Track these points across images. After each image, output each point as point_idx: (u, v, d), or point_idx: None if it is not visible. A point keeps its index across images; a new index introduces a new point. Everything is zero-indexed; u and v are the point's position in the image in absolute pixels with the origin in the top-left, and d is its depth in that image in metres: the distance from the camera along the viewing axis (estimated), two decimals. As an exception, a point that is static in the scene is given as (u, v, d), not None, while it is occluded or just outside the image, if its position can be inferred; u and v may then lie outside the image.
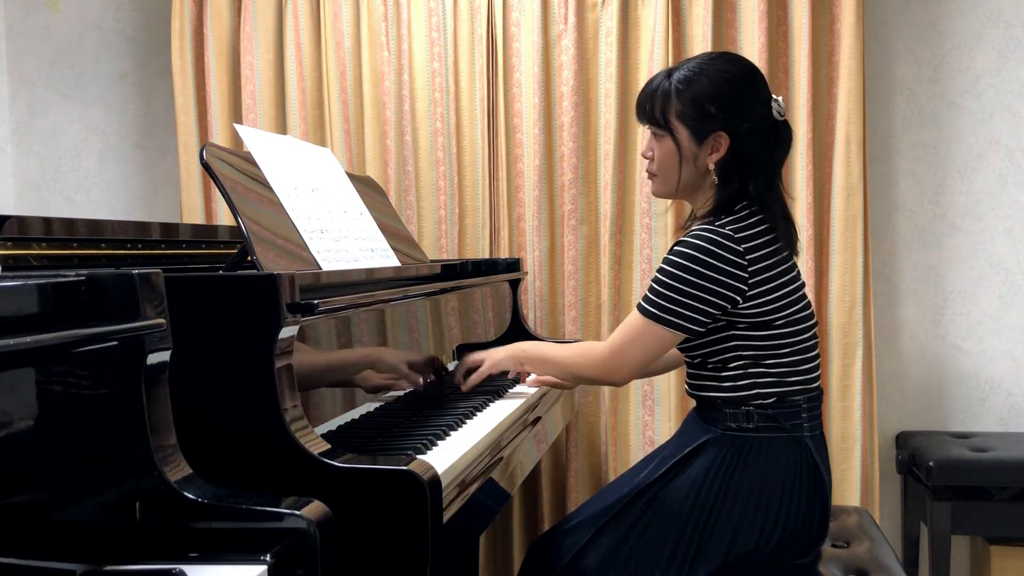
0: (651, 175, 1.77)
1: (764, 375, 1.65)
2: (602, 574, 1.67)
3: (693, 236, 1.63)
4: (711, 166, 1.68)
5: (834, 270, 2.61)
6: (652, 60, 2.63)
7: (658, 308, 1.62)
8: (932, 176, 2.81)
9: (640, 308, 1.65)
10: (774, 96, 1.71)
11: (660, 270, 1.64)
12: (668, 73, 1.72)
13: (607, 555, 1.67)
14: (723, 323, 1.65)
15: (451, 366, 2.02)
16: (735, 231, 1.62)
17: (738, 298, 1.61)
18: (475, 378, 1.90)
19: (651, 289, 1.64)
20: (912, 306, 2.83)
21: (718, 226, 1.62)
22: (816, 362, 1.71)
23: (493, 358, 1.90)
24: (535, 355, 1.91)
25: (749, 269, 1.61)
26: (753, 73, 1.72)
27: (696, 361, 1.72)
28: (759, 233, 1.64)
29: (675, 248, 1.64)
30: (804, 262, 2.58)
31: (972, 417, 2.81)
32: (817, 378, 1.71)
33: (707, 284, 1.60)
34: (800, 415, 1.67)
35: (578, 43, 2.68)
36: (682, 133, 1.69)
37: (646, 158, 1.78)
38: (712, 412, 1.70)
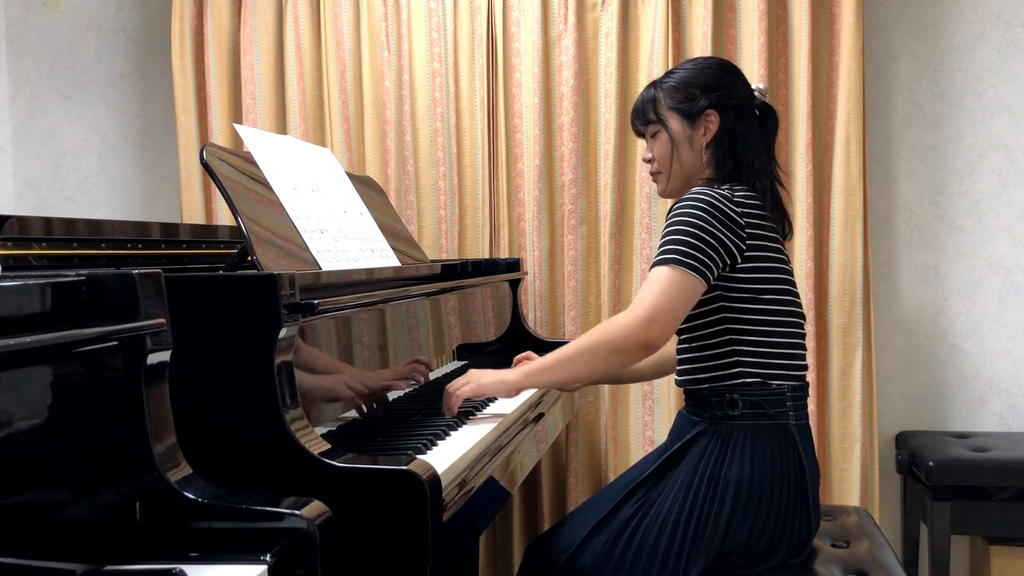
0: (655, 175, 1.84)
1: (748, 354, 1.67)
2: (597, 574, 1.67)
3: (692, 193, 1.67)
4: (705, 146, 1.76)
5: (834, 270, 2.61)
6: (652, 60, 2.63)
7: (680, 254, 1.61)
8: (932, 176, 2.81)
9: (661, 261, 1.62)
10: (753, 85, 1.81)
11: (670, 224, 1.65)
12: (653, 84, 1.84)
13: (601, 555, 1.68)
14: (715, 293, 1.67)
15: (438, 373, 2.02)
16: (732, 194, 1.68)
17: (737, 255, 1.65)
18: (454, 401, 1.71)
19: (666, 242, 1.63)
20: (912, 306, 2.83)
21: (715, 189, 1.68)
22: (801, 352, 1.73)
23: (478, 383, 1.71)
24: (542, 367, 1.70)
25: (747, 230, 1.66)
26: (730, 63, 1.85)
27: (683, 344, 1.75)
28: (752, 205, 1.69)
29: (676, 206, 1.67)
30: (804, 262, 2.58)
31: (972, 417, 2.81)
32: (802, 368, 1.73)
33: (715, 231, 1.63)
34: (785, 402, 1.68)
35: (578, 43, 2.68)
36: (674, 120, 1.78)
37: (647, 161, 1.84)
38: (699, 403, 1.72)
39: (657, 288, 1.61)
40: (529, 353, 2.03)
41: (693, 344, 1.72)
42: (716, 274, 1.64)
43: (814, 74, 2.61)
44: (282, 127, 2.86)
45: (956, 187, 2.80)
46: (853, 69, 2.58)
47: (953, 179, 2.80)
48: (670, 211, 1.68)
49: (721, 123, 1.75)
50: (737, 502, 1.64)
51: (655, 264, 1.64)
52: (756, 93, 1.79)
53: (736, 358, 1.68)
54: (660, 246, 1.65)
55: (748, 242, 1.66)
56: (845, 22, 2.59)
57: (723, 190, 1.67)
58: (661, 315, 1.59)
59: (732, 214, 1.64)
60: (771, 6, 2.60)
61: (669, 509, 1.66)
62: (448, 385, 1.73)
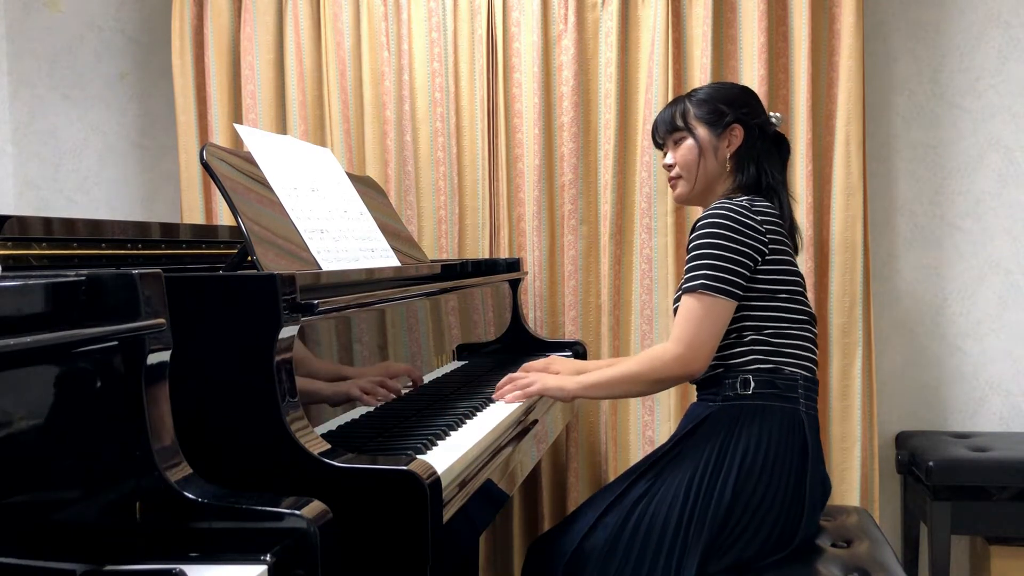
0: (674, 180, 1.94)
1: (763, 343, 1.75)
2: (608, 551, 1.71)
3: (711, 210, 1.77)
4: (728, 155, 1.88)
5: (834, 270, 2.61)
6: (652, 60, 2.63)
7: (709, 280, 1.71)
8: (932, 176, 2.81)
9: (690, 290, 1.73)
10: (770, 113, 1.96)
11: (693, 248, 1.75)
12: (680, 99, 1.97)
13: (613, 533, 1.72)
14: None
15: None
16: (751, 204, 1.77)
17: (759, 257, 1.74)
18: (519, 396, 1.85)
19: (692, 268, 1.73)
20: (912, 306, 2.83)
21: (734, 202, 1.77)
22: (813, 347, 1.80)
23: (544, 384, 1.84)
24: (595, 383, 1.84)
25: (767, 236, 1.75)
26: (752, 91, 1.99)
27: None
28: (772, 214, 1.79)
29: (697, 225, 1.76)
30: (804, 262, 2.58)
31: (972, 417, 2.81)
32: (814, 363, 1.80)
33: (737, 246, 1.72)
34: (797, 388, 1.75)
35: (578, 43, 2.68)
36: (701, 129, 1.90)
37: (667, 167, 1.95)
38: (713, 385, 1.79)
39: (693, 321, 1.71)
40: (528, 365, 2.04)
41: None
42: (744, 286, 1.73)
43: (814, 74, 2.61)
44: (282, 127, 2.86)
45: (956, 187, 2.80)
46: (853, 69, 2.58)
47: (953, 179, 2.80)
48: (694, 228, 1.77)
49: (745, 138, 1.88)
50: (740, 473, 1.68)
51: (686, 290, 1.73)
52: (773, 119, 1.93)
53: (751, 347, 1.75)
54: (688, 269, 1.74)
55: (769, 246, 1.75)
56: (845, 22, 2.58)
57: (743, 201, 1.77)
58: (699, 347, 1.72)
59: (753, 223, 1.74)
60: (771, 6, 2.60)
61: (678, 487, 1.70)
62: (512, 376, 1.89)
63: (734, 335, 1.77)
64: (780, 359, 1.75)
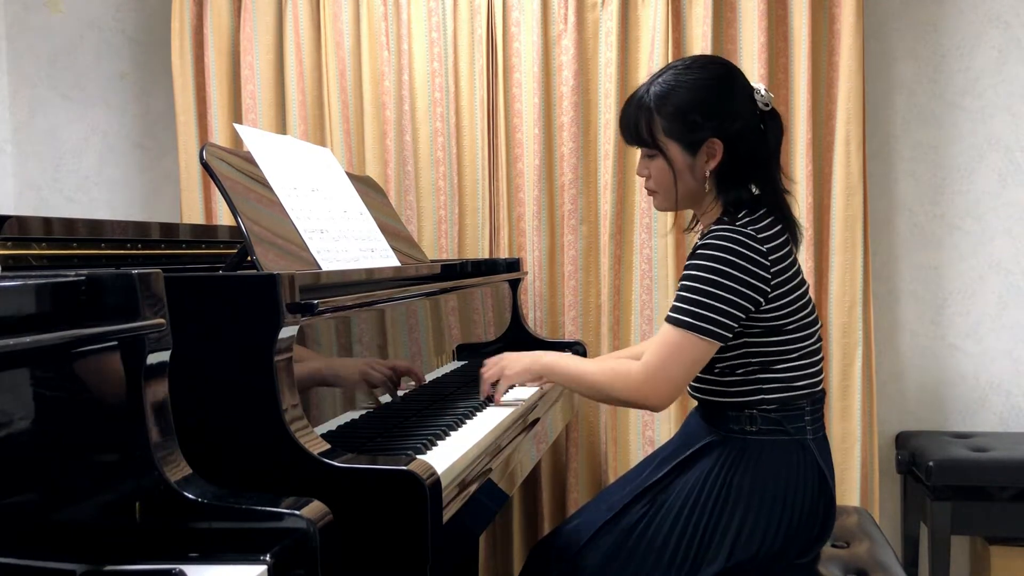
0: (651, 192, 1.74)
1: (771, 380, 1.63)
2: (602, 575, 1.67)
3: (715, 237, 1.58)
4: (708, 173, 1.66)
5: (834, 270, 2.61)
6: (652, 60, 2.63)
7: (692, 316, 1.56)
8: (932, 176, 2.81)
9: (672, 320, 1.59)
10: (755, 86, 1.67)
11: (687, 276, 1.59)
12: (645, 98, 1.68)
13: (607, 556, 1.67)
14: (738, 330, 1.61)
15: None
16: (756, 231, 1.59)
17: (761, 299, 1.58)
18: (498, 396, 1.85)
19: (680, 298, 1.59)
20: (912, 306, 2.83)
21: (739, 226, 1.59)
22: (820, 364, 1.70)
23: (508, 373, 1.82)
24: (560, 370, 1.77)
25: (772, 270, 1.59)
26: (728, 71, 1.69)
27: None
28: (775, 233, 1.62)
29: (698, 252, 1.60)
30: (804, 262, 2.58)
31: (972, 417, 2.81)
32: (821, 380, 1.70)
33: (735, 285, 1.56)
34: (803, 418, 1.66)
35: (578, 43, 2.68)
36: (673, 149, 1.66)
37: (642, 176, 1.75)
38: (715, 415, 1.70)
39: (666, 353, 1.58)
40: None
41: (714, 367, 1.67)
42: (736, 328, 1.59)
43: (814, 74, 2.61)
44: (282, 127, 2.86)
45: (956, 187, 2.80)
46: (853, 69, 2.58)
47: (953, 179, 2.80)
48: (696, 248, 1.62)
49: (726, 150, 1.64)
50: (748, 510, 1.62)
51: (670, 320, 1.59)
52: (759, 103, 1.66)
53: (758, 386, 1.64)
54: (680, 295, 1.59)
55: (774, 281, 1.59)
56: (845, 22, 2.59)
57: (747, 227, 1.58)
58: (664, 381, 1.59)
59: (757, 256, 1.57)
60: (771, 6, 2.60)
61: (678, 514, 1.65)
62: (484, 373, 1.86)
63: (740, 371, 1.64)
64: (787, 393, 1.64)
